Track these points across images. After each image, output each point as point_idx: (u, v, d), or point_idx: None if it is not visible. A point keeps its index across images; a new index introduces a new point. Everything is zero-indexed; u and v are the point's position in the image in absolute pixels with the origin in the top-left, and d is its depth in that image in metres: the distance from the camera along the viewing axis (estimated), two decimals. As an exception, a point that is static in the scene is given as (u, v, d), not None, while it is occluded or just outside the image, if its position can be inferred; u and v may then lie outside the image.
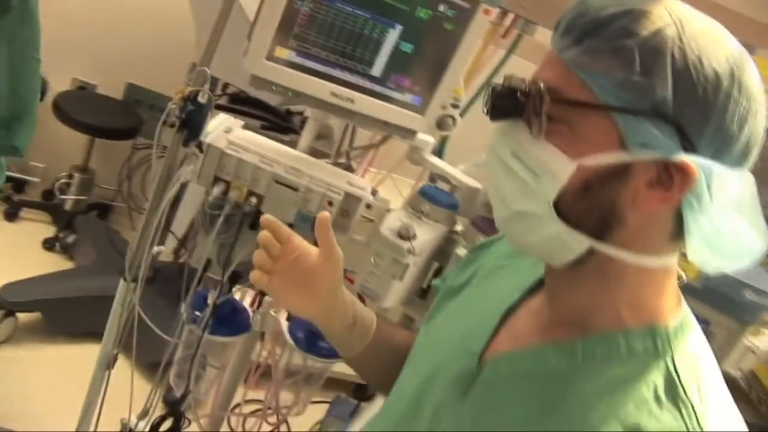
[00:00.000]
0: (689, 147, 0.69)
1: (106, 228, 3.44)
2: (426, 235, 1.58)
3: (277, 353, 2.13)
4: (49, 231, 3.40)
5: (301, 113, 2.99)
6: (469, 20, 1.48)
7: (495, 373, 0.83)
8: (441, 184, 1.84)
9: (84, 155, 3.39)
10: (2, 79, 1.44)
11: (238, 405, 2.39)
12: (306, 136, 1.74)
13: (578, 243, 0.74)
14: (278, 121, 2.82)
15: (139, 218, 3.17)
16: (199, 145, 1.54)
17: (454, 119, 1.61)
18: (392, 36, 1.48)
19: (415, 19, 1.47)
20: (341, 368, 2.51)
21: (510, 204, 0.77)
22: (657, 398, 0.71)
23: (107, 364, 1.78)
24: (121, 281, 1.73)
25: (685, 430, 0.68)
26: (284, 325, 1.98)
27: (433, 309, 1.07)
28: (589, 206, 0.72)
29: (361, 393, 2.87)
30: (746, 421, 0.76)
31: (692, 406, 0.70)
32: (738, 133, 0.69)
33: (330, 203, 1.55)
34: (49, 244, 3.32)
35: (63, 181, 3.41)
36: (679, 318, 0.77)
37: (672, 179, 0.69)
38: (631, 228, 0.72)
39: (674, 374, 0.72)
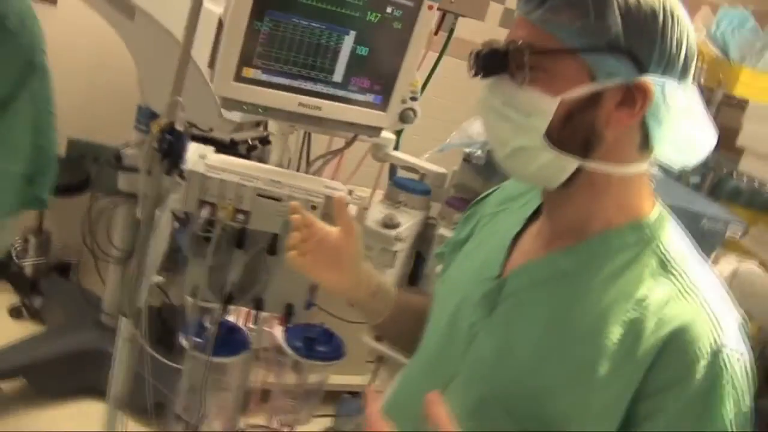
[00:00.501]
0: (643, 70, 0.84)
1: (72, 285, 3.42)
2: (407, 221, 1.69)
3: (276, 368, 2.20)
4: (14, 299, 3.36)
5: (246, 141, 3.07)
6: (416, 17, 1.60)
7: (515, 284, 0.95)
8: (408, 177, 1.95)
9: (37, 217, 3.38)
10: (26, 136, 1.49)
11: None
12: (276, 152, 1.82)
13: (569, 164, 0.88)
14: (225, 151, 2.90)
15: (107, 269, 3.20)
16: (180, 174, 1.61)
17: (414, 111, 1.73)
18: (348, 42, 1.58)
19: (366, 24, 1.58)
20: (337, 380, 2.59)
21: (509, 143, 0.90)
22: (653, 274, 0.87)
23: (120, 404, 1.82)
24: (122, 319, 1.77)
25: (679, 289, 0.86)
26: (281, 337, 2.06)
27: (444, 266, 1.17)
28: (574, 132, 0.86)
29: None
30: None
31: (682, 273, 0.87)
32: (678, 52, 0.86)
33: (313, 207, 1.64)
34: (16, 312, 3.28)
35: (19, 246, 3.38)
36: (657, 212, 0.93)
37: (634, 98, 0.85)
38: (608, 144, 0.87)
39: (663, 254, 0.89)
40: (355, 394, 2.88)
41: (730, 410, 0.81)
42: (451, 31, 2.33)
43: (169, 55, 1.73)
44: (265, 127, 2.50)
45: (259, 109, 1.60)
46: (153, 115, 2.53)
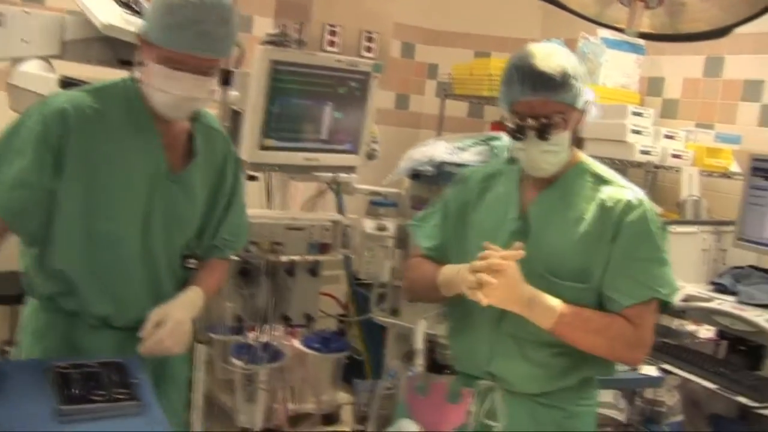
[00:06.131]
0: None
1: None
2: (391, 225, 2.38)
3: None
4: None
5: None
6: (368, 85, 2.33)
7: (535, 212, 1.64)
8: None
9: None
10: None
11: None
12: (278, 199, 2.46)
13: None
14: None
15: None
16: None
17: (376, 150, 2.44)
18: (328, 111, 2.28)
19: (338, 95, 2.29)
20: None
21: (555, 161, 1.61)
22: (595, 183, 1.62)
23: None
24: (199, 346, 2.31)
25: (616, 185, 1.61)
26: (300, 344, 2.67)
27: (446, 227, 1.79)
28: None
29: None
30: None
31: (610, 178, 1.63)
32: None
33: (327, 230, 2.31)
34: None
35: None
36: (584, 157, 1.68)
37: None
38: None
39: (596, 172, 1.64)
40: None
41: (656, 225, 1.58)
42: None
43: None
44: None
45: (276, 168, 2.26)
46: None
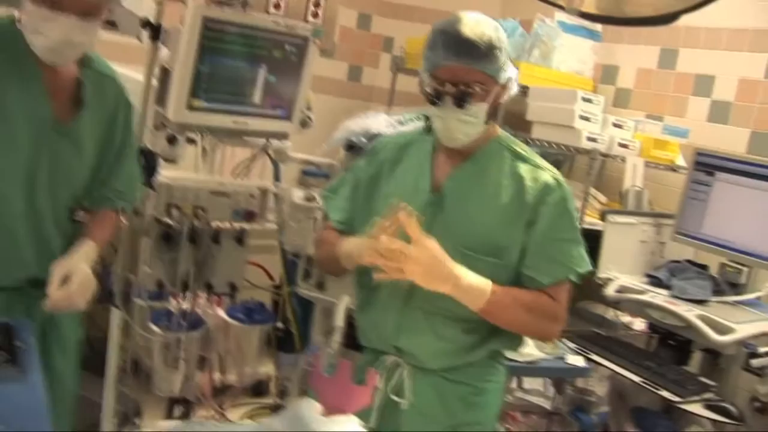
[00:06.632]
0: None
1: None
2: (320, 196, 2.30)
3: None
4: None
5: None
6: (306, 50, 2.23)
7: (451, 186, 1.58)
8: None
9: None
10: None
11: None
12: (208, 163, 2.36)
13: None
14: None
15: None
16: (151, 186, 2.12)
17: (310, 118, 2.35)
18: (261, 74, 2.18)
19: (273, 59, 2.18)
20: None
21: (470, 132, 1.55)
22: (513, 160, 1.57)
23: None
24: (114, 310, 2.21)
25: (534, 165, 1.57)
26: (223, 313, 2.58)
27: (356, 199, 1.73)
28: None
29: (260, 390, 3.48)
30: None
31: (529, 157, 1.58)
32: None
33: (252, 196, 2.22)
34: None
35: None
36: (501, 132, 1.62)
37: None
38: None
39: (513, 149, 1.59)
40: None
41: (573, 206, 1.56)
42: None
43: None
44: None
45: (204, 129, 2.15)
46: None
